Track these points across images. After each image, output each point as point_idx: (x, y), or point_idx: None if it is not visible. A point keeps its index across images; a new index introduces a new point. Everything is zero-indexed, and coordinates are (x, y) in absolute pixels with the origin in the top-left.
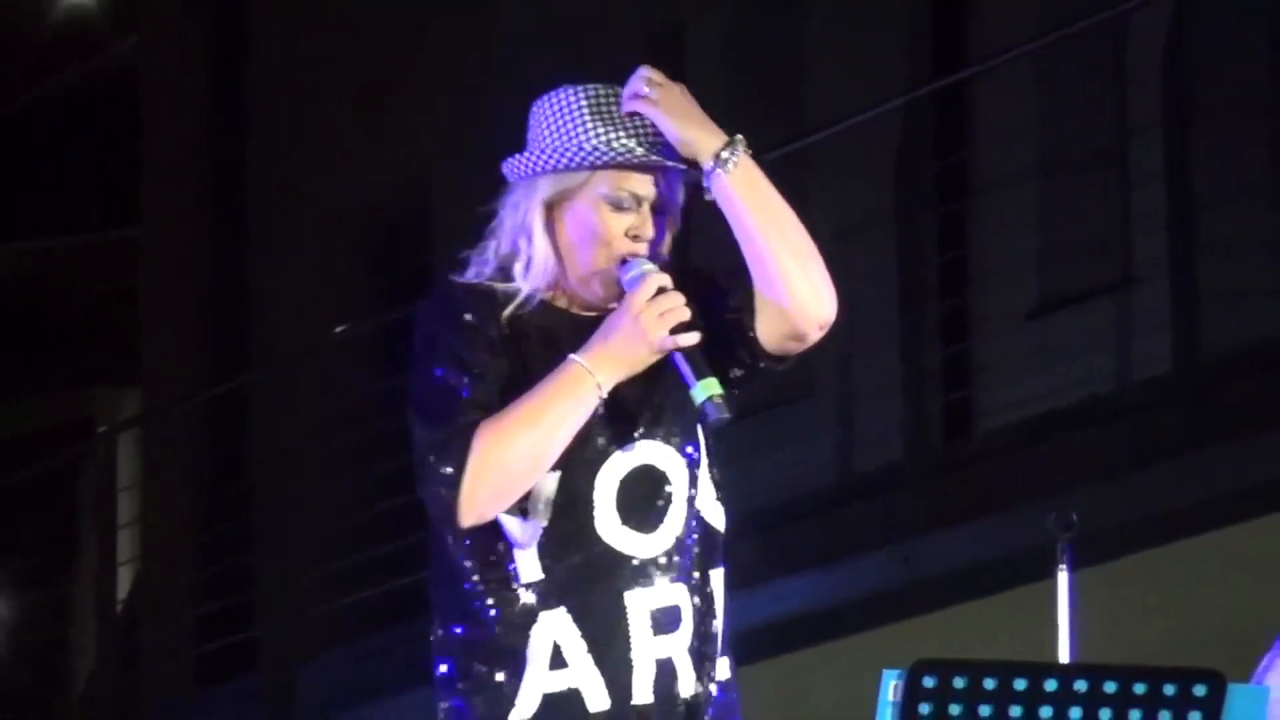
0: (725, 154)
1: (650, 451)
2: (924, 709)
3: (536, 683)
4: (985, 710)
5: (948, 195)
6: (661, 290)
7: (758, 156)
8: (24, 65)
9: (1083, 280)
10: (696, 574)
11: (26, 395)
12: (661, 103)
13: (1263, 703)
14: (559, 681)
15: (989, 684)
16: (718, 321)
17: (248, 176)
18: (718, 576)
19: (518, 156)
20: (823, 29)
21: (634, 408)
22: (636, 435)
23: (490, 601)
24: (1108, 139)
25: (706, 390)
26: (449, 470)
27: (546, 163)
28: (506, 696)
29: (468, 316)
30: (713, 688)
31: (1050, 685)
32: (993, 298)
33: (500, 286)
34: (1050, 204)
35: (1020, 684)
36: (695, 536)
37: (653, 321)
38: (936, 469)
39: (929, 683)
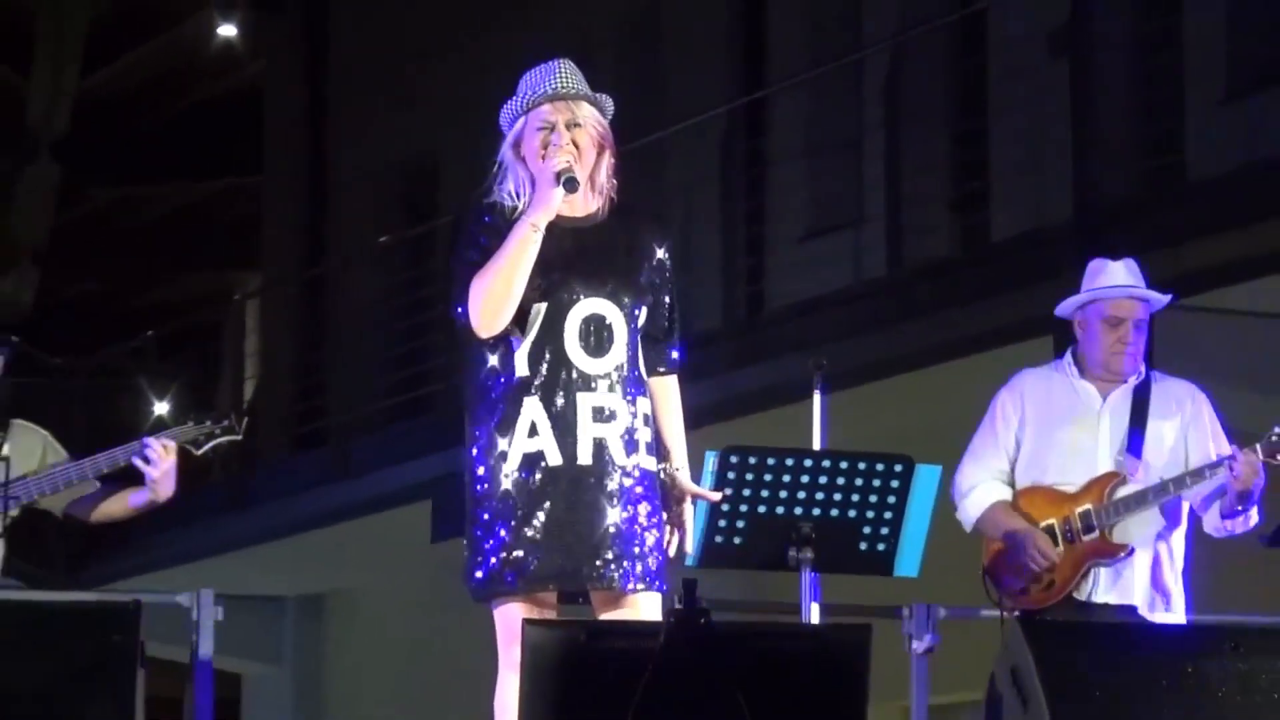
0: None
1: (603, 305)
2: (730, 475)
3: (520, 446)
4: (769, 477)
5: (752, 166)
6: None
7: (631, 144)
8: (192, 77)
9: (833, 219)
10: (629, 392)
11: (191, 275)
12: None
13: (935, 477)
14: (532, 445)
15: (771, 460)
16: (654, 300)
17: (327, 144)
18: (644, 402)
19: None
20: (677, 60)
21: (597, 275)
22: (595, 293)
23: (498, 395)
24: (849, 133)
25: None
26: (464, 305)
27: (506, 123)
28: (503, 454)
29: (486, 219)
30: (640, 463)
31: (807, 462)
32: (780, 227)
33: (505, 202)
34: (815, 172)
35: (789, 461)
36: (630, 368)
37: (544, 171)
38: (745, 328)
39: (734, 458)
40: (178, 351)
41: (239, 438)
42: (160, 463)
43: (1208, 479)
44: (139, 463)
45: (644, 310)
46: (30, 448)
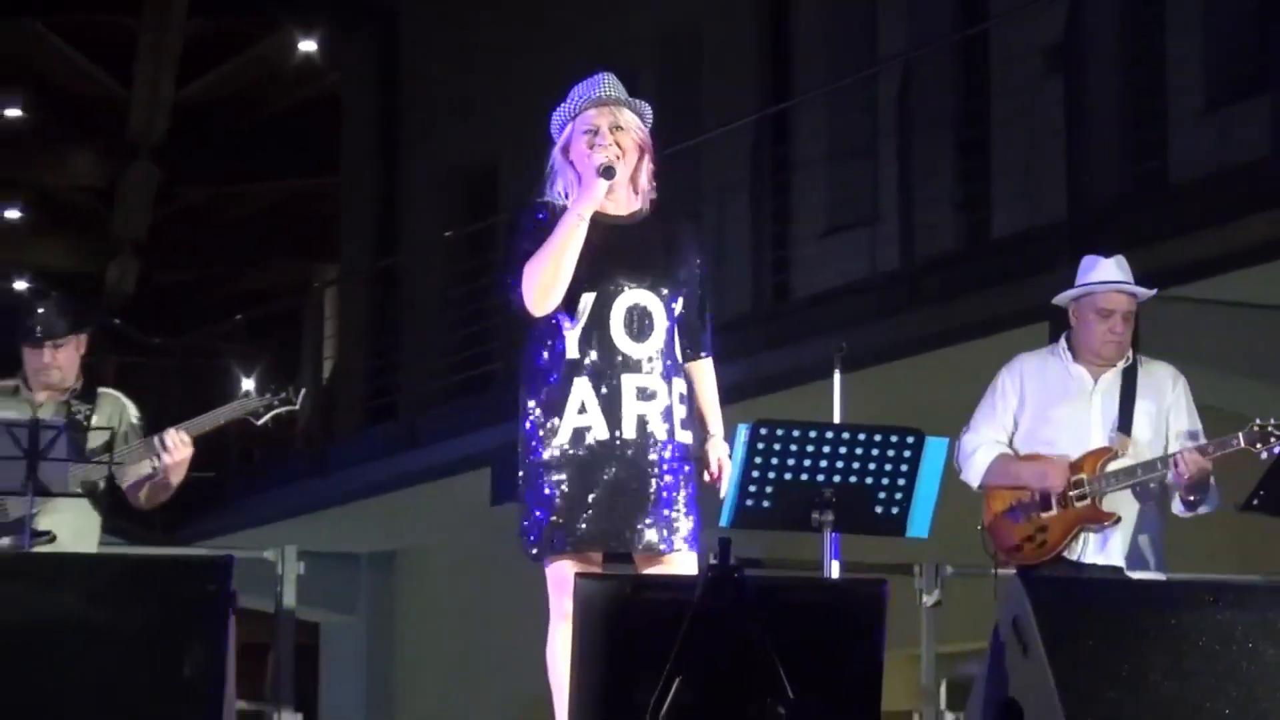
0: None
1: (644, 296)
2: (759, 445)
3: (570, 421)
4: (794, 447)
5: (779, 170)
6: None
7: (670, 149)
8: (276, 88)
9: (851, 217)
10: (667, 374)
11: (276, 265)
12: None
13: (943, 448)
14: (581, 421)
15: (796, 432)
16: (687, 295)
17: (397, 149)
18: (679, 383)
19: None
20: (711, 74)
21: (639, 269)
22: (637, 284)
23: (550, 375)
24: (864, 139)
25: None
26: (519, 287)
27: (555, 130)
28: (554, 429)
29: (539, 215)
30: (676, 437)
31: (828, 435)
32: (803, 225)
33: (556, 201)
34: (835, 175)
35: (813, 433)
36: (668, 353)
37: (589, 168)
38: (773, 315)
39: (763, 430)
40: (263, 334)
41: (296, 408)
42: (174, 452)
43: (1159, 470)
44: (157, 445)
45: (680, 301)
46: (111, 414)
